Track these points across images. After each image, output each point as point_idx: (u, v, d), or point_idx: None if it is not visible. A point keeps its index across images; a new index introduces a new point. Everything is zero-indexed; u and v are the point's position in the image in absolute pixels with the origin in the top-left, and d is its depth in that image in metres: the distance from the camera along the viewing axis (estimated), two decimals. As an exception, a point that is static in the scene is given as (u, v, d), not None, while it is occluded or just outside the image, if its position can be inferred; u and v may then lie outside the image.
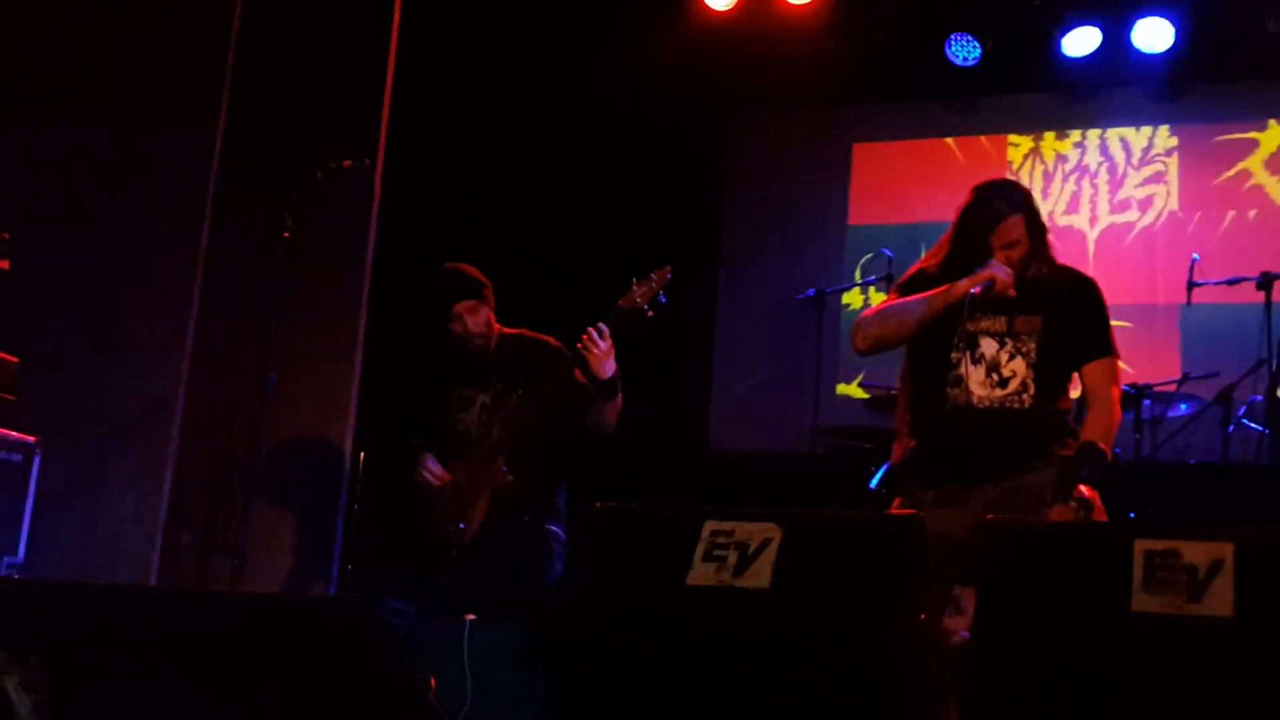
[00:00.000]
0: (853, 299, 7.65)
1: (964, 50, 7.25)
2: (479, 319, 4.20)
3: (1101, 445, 3.28)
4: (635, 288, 3.90)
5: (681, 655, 2.39)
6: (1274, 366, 5.54)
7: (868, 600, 2.32)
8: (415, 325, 4.40)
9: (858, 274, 7.61)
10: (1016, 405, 3.36)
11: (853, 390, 7.38)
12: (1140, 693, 2.06)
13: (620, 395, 4.01)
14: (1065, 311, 3.42)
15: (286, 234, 4.14)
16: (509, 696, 3.84)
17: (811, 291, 6.55)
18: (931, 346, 3.45)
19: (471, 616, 4.21)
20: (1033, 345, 3.38)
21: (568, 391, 3.98)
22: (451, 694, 4.20)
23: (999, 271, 3.35)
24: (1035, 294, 3.41)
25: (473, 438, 4.15)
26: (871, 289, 7.38)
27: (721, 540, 2.47)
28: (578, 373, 3.94)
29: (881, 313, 3.59)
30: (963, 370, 3.40)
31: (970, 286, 3.33)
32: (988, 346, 3.40)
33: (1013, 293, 3.38)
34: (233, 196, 4.84)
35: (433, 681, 3.15)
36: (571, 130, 7.16)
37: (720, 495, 2.84)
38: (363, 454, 5.37)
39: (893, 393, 5.92)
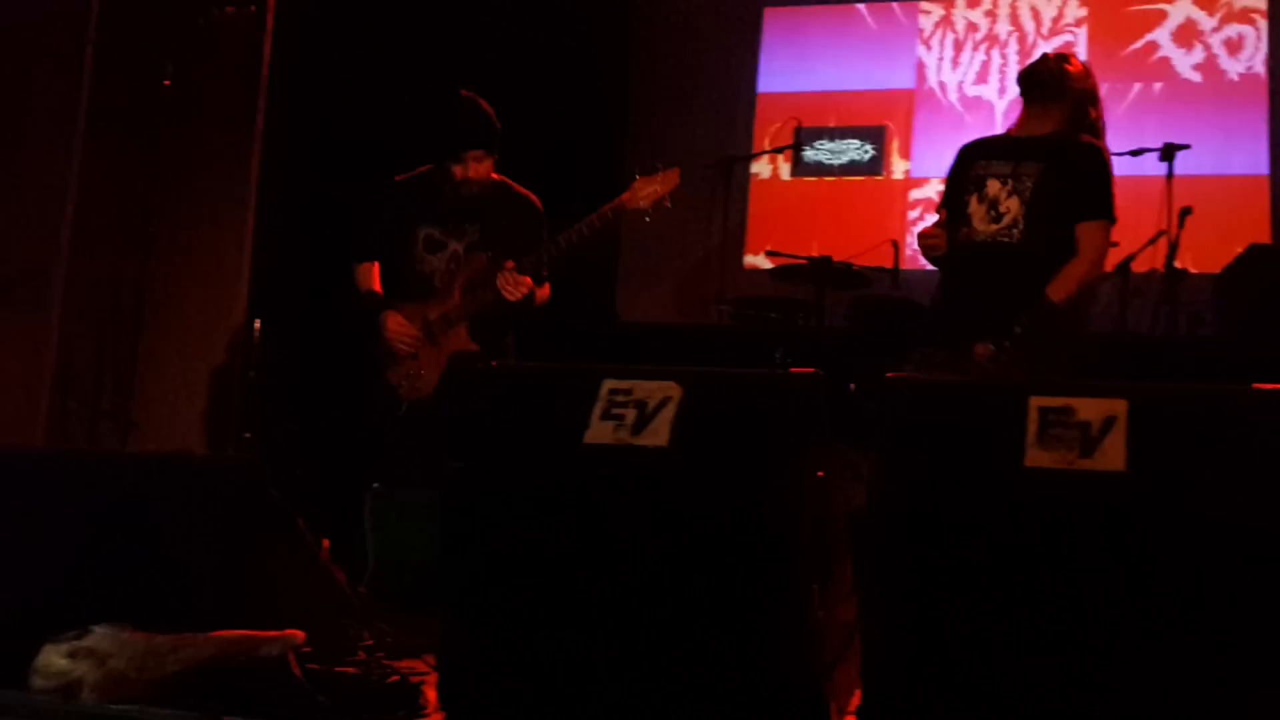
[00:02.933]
0: (761, 168, 7.59)
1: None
2: (483, 168, 4.06)
3: (1053, 298, 3.56)
4: (638, 184, 3.83)
5: (578, 513, 2.37)
6: (1173, 238, 5.60)
7: (766, 458, 2.31)
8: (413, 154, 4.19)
9: (766, 142, 7.52)
10: (1006, 239, 3.65)
11: (759, 260, 7.36)
12: (1032, 546, 2.08)
13: (547, 288, 4.08)
14: (1065, 167, 3.70)
15: (167, 81, 3.95)
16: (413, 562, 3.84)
17: (719, 159, 6.46)
18: (955, 190, 3.81)
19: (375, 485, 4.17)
20: (1029, 186, 3.67)
21: (536, 272, 4.01)
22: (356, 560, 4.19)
23: None
24: (1044, 145, 3.73)
25: (436, 286, 4.04)
26: (779, 157, 7.31)
27: (620, 399, 2.43)
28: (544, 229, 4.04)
29: None
30: (971, 210, 3.72)
31: None
32: (992, 186, 3.71)
33: None
34: (114, 46, 4.60)
35: (326, 543, 3.11)
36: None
37: (626, 363, 2.79)
38: (258, 321, 5.23)
39: (798, 261, 5.93)
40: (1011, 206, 3.65)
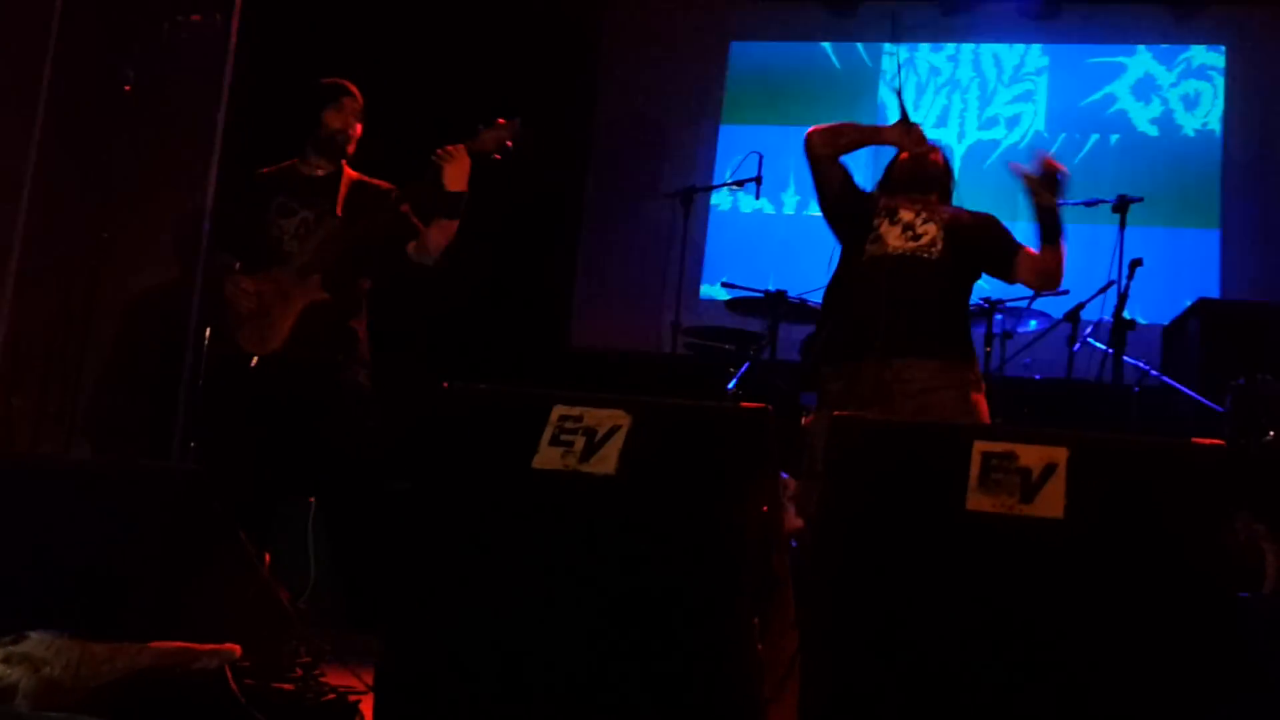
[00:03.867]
0: (722, 199, 7.63)
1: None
2: (355, 127, 4.16)
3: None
4: (481, 133, 3.92)
5: (523, 538, 2.37)
6: (1122, 288, 5.68)
7: (712, 489, 2.33)
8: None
9: (728, 174, 7.57)
10: (926, 256, 3.70)
11: (716, 291, 7.40)
12: (968, 588, 2.10)
13: (456, 224, 4.00)
14: (979, 224, 3.84)
15: (128, 87, 3.93)
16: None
17: (680, 189, 6.48)
18: (857, 214, 3.86)
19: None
20: (946, 217, 3.78)
21: (392, 222, 4.00)
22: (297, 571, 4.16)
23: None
24: (957, 209, 3.88)
25: (284, 249, 4.03)
26: (740, 190, 7.35)
27: (570, 425, 2.44)
28: (406, 208, 3.99)
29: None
30: (883, 230, 3.77)
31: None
32: (906, 214, 3.78)
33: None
34: (78, 48, 4.56)
35: (267, 556, 3.09)
36: (445, 11, 6.94)
37: (578, 390, 2.80)
38: (209, 329, 5.17)
39: (754, 295, 5.96)
40: (930, 230, 3.73)
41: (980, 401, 3.67)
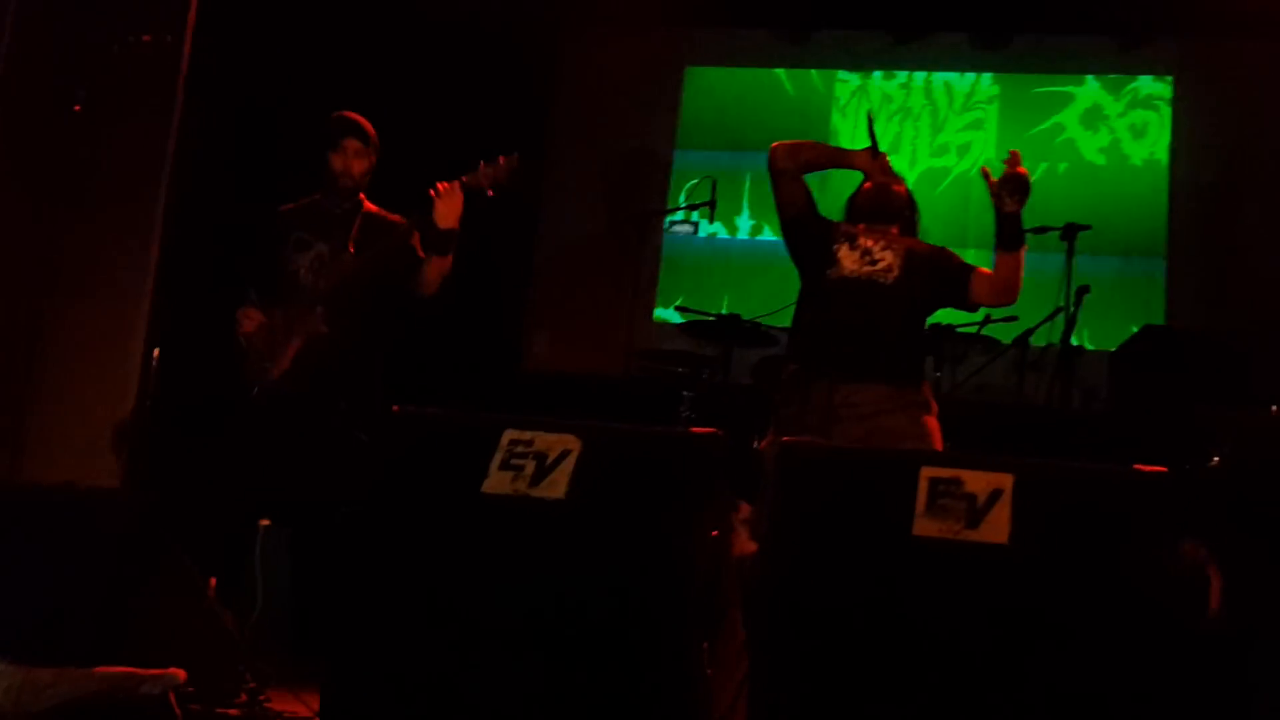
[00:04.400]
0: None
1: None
2: (361, 164, 4.16)
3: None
4: (482, 168, 3.94)
5: (472, 562, 2.37)
6: (1070, 315, 5.76)
7: (662, 516, 2.33)
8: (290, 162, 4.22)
9: (682, 198, 7.61)
10: (882, 280, 3.72)
11: (670, 315, 7.42)
12: (914, 612, 2.12)
13: (450, 259, 4.03)
14: (926, 252, 3.83)
15: (77, 107, 3.90)
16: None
17: (635, 213, 6.52)
18: (815, 236, 3.86)
19: (266, 522, 4.10)
20: (905, 247, 3.79)
21: (401, 255, 4.02)
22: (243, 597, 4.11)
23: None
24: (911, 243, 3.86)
25: (300, 283, 4.06)
26: (694, 215, 7.40)
27: (520, 450, 2.44)
28: (416, 239, 4.00)
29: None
30: (840, 255, 3.79)
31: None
32: (865, 241, 3.80)
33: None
34: (24, 70, 4.52)
35: (213, 581, 3.06)
36: (396, 34, 6.93)
37: (532, 414, 2.80)
38: (157, 350, 5.14)
39: (708, 319, 5.99)
40: (887, 257, 3.76)
41: (931, 423, 3.69)
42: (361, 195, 4.19)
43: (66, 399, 4.96)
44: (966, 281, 3.80)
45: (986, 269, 3.80)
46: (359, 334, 4.07)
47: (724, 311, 6.32)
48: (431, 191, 3.93)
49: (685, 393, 5.69)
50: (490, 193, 3.97)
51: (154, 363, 5.06)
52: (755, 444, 5.20)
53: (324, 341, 3.98)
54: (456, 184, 3.93)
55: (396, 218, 4.16)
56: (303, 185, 4.25)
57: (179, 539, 2.56)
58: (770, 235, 7.50)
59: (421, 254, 4.01)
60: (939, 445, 3.62)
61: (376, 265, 4.02)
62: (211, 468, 3.99)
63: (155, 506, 2.50)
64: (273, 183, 4.54)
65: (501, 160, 3.98)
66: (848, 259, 3.78)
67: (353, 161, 4.13)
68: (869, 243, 3.80)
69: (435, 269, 4.03)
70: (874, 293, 3.71)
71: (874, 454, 2.85)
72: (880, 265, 3.75)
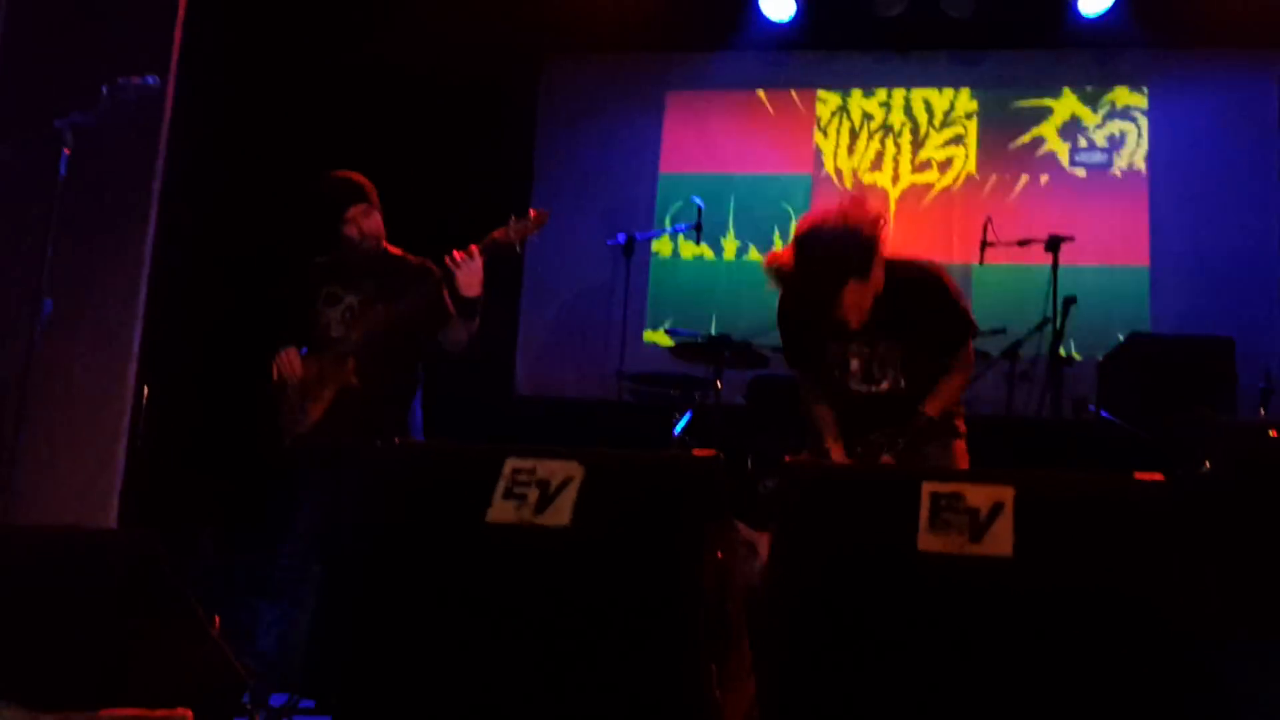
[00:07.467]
0: (662, 246, 7.69)
1: (779, 6, 7.37)
2: (372, 222, 4.13)
3: (930, 414, 3.61)
4: (512, 223, 3.92)
5: (478, 592, 2.37)
6: (1057, 325, 5.80)
7: (666, 540, 2.34)
8: (303, 228, 4.22)
9: (668, 221, 7.65)
10: (894, 392, 3.65)
11: (659, 337, 7.44)
12: (923, 628, 2.13)
13: (478, 320, 4.03)
14: (921, 323, 3.64)
15: (67, 150, 3.91)
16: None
17: (622, 238, 6.54)
18: (810, 355, 3.76)
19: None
20: (898, 359, 3.65)
21: (431, 306, 3.99)
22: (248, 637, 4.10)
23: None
24: (890, 315, 3.59)
25: (333, 336, 4.07)
26: (680, 237, 7.44)
27: (523, 478, 2.45)
28: (445, 291, 3.97)
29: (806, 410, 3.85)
30: (838, 376, 3.69)
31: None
32: (855, 362, 3.68)
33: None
34: (12, 110, 4.53)
35: (217, 619, 3.06)
36: (382, 65, 6.96)
37: (525, 439, 2.82)
38: (146, 388, 5.14)
39: (697, 340, 6.01)
40: (887, 373, 3.68)
41: (959, 448, 3.72)
42: (383, 243, 4.18)
43: (57, 439, 4.94)
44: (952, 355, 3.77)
45: (968, 353, 3.79)
46: (389, 385, 4.08)
47: (713, 333, 6.35)
48: (448, 261, 3.87)
49: (677, 414, 5.70)
50: (519, 249, 3.97)
51: (144, 401, 5.06)
52: (747, 465, 5.22)
53: (355, 393, 3.99)
54: (474, 249, 3.88)
55: (421, 261, 4.16)
56: (289, 230, 4.24)
57: (181, 577, 2.55)
58: (756, 255, 7.54)
59: (451, 309, 3.97)
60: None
61: (406, 317, 4.01)
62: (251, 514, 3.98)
63: (158, 547, 2.50)
64: (257, 223, 4.53)
65: (532, 214, 3.96)
66: (850, 380, 3.69)
67: (364, 224, 4.10)
68: (859, 362, 3.69)
69: (464, 331, 4.04)
70: (885, 404, 3.67)
71: (875, 471, 2.86)
72: (884, 384, 3.68)
